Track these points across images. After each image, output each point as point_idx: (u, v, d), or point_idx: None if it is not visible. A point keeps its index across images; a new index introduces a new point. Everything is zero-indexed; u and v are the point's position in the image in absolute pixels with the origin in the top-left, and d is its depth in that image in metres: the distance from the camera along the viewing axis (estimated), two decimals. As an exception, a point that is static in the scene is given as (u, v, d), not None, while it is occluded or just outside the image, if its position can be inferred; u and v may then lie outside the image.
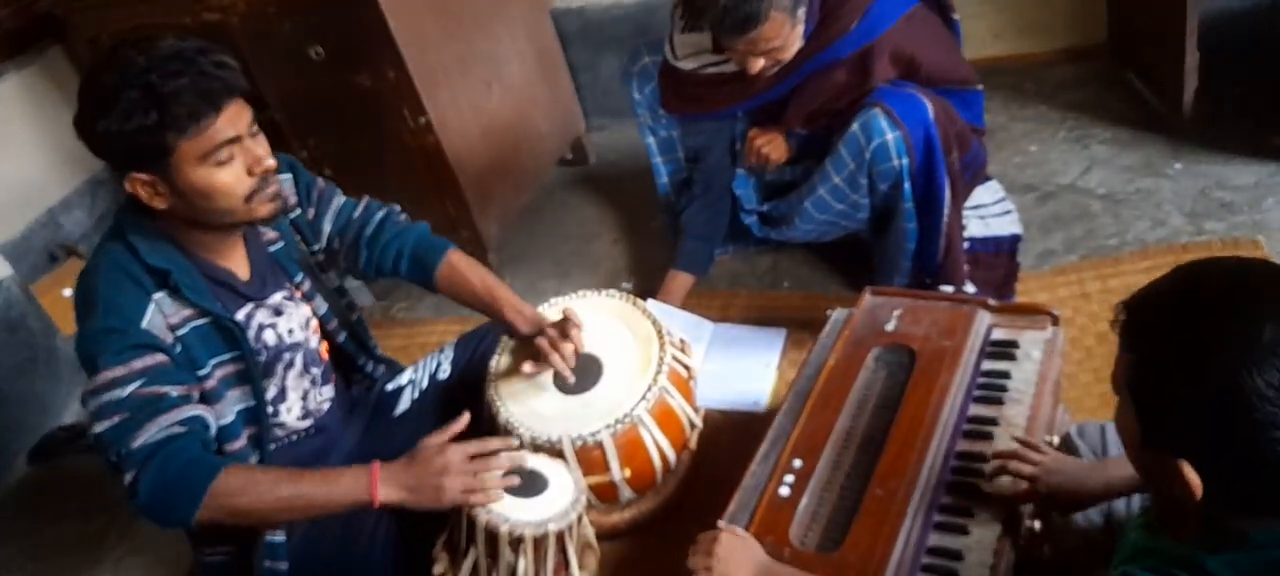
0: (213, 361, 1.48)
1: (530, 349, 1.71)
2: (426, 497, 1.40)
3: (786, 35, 1.87)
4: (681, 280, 2.33)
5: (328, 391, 1.71)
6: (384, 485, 1.39)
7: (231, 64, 1.38)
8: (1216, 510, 0.90)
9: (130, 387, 1.36)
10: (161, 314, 1.42)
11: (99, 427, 1.37)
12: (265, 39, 2.36)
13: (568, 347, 1.67)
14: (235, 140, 1.38)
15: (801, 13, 1.87)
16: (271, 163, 1.44)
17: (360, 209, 1.76)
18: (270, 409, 1.59)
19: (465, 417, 1.50)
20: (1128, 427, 0.97)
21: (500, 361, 1.78)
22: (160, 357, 1.40)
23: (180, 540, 1.88)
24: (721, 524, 1.36)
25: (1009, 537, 1.28)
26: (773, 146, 2.15)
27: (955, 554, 1.28)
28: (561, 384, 1.71)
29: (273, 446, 1.60)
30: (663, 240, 2.44)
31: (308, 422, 1.67)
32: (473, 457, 1.44)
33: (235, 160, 1.39)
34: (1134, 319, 0.95)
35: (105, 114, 1.32)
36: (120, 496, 2.18)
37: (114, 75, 1.32)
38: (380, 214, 1.76)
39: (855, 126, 1.92)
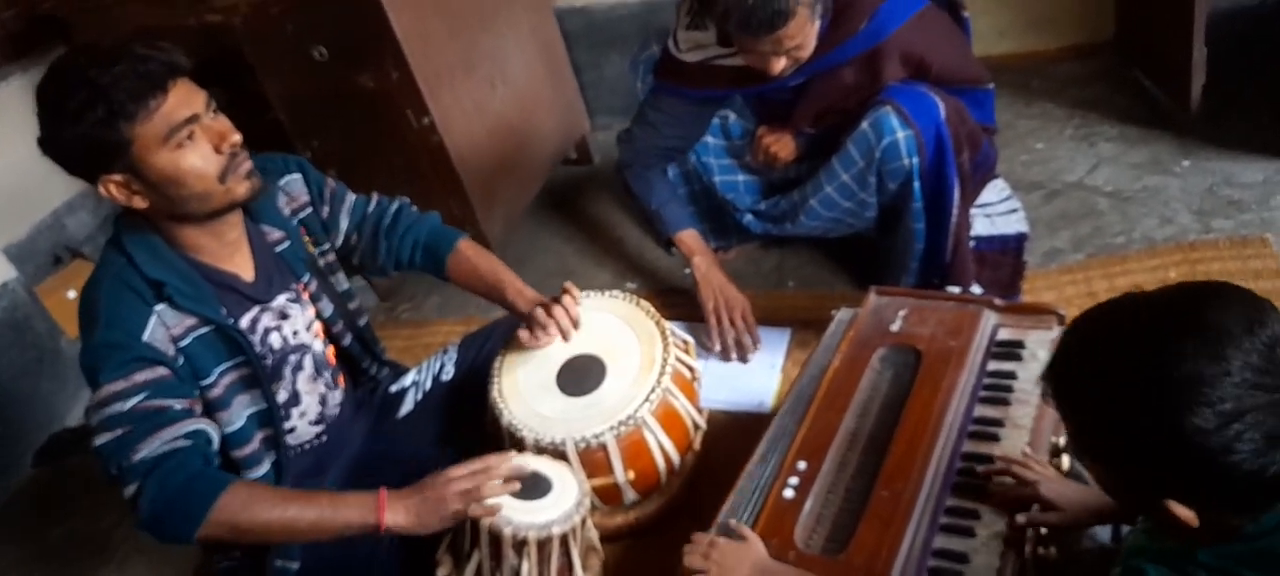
0: (219, 369, 1.47)
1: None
2: (430, 517, 1.40)
3: (809, 32, 1.84)
4: (695, 235, 2.20)
5: (339, 395, 1.71)
6: (390, 509, 1.39)
7: (168, 47, 1.36)
8: (1212, 513, 0.93)
9: (133, 401, 1.36)
10: (164, 325, 1.41)
11: (100, 441, 1.37)
12: (268, 40, 2.36)
13: (559, 311, 1.68)
14: (193, 119, 1.36)
15: (820, 8, 1.85)
16: (237, 138, 1.41)
17: (373, 204, 1.77)
18: (283, 412, 1.59)
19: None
20: (1104, 483, 0.99)
21: (504, 363, 1.77)
22: (162, 371, 1.39)
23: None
24: (730, 521, 1.35)
25: (1015, 545, 1.27)
26: (780, 145, 2.13)
27: (961, 556, 1.27)
28: (565, 385, 1.70)
29: (289, 453, 1.59)
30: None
31: (320, 427, 1.67)
32: (474, 472, 1.44)
33: (198, 139, 1.37)
34: (1059, 392, 0.97)
35: (58, 123, 1.32)
36: (125, 501, 2.22)
37: (56, 85, 1.33)
38: (394, 206, 1.78)
39: (865, 124, 1.90)
